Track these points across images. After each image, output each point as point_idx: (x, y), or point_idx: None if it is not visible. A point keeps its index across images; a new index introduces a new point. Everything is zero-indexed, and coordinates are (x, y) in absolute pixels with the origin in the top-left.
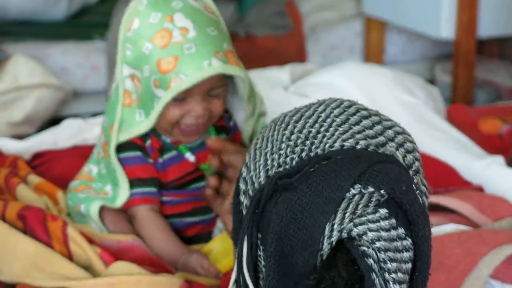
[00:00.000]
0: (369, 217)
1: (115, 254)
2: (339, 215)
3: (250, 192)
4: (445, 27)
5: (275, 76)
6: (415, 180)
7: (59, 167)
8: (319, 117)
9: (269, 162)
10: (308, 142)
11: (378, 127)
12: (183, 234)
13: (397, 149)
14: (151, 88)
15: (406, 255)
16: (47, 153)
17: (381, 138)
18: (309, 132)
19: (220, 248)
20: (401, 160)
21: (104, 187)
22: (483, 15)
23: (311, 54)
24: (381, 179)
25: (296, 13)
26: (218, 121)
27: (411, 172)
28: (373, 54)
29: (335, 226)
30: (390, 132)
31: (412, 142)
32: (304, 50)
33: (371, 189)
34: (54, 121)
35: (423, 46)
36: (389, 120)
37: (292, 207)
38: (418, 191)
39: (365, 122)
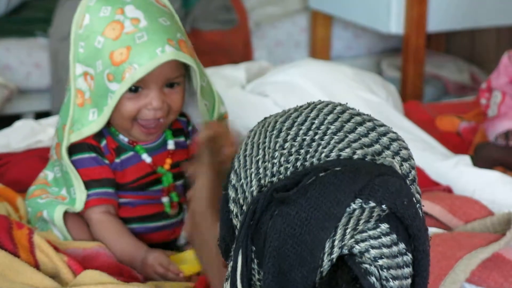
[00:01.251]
0: (371, 232)
1: (80, 262)
2: (339, 231)
3: (241, 200)
4: (395, 22)
5: (231, 75)
6: (412, 190)
7: (16, 171)
8: (312, 123)
9: (261, 170)
10: (302, 151)
11: (373, 134)
12: (146, 241)
13: (393, 158)
14: (105, 83)
15: (407, 270)
16: (3, 156)
17: (377, 147)
18: (303, 140)
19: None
20: (399, 170)
21: (60, 192)
22: (432, 10)
23: (256, 49)
24: (383, 193)
25: (242, 8)
26: (174, 124)
27: (408, 182)
28: (319, 49)
29: (336, 242)
30: (385, 140)
31: (406, 148)
32: (250, 45)
33: (372, 204)
34: None
35: (369, 41)
36: (382, 125)
37: (290, 221)
38: (418, 205)
39: (360, 130)
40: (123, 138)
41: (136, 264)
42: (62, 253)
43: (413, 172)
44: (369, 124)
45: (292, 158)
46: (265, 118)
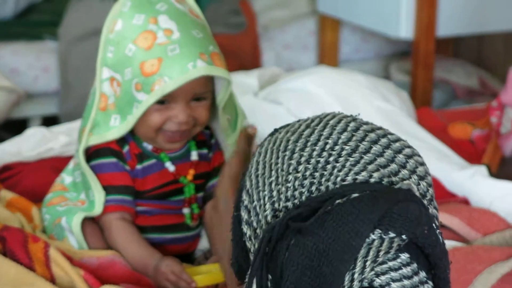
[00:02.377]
0: (391, 264)
1: (95, 271)
2: (359, 263)
3: (254, 223)
4: (404, 27)
5: (243, 81)
6: (430, 210)
7: (30, 180)
8: (326, 143)
9: (275, 193)
10: (317, 174)
11: (388, 153)
12: (162, 253)
13: (410, 177)
14: (132, 92)
15: None
16: (16, 165)
17: (393, 166)
18: (317, 162)
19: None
20: (416, 190)
21: (79, 196)
22: (442, 14)
23: (264, 53)
24: (402, 223)
25: (250, 11)
26: (198, 136)
27: (426, 202)
28: (327, 52)
29: (356, 275)
30: (401, 157)
31: (422, 164)
32: (258, 48)
33: (392, 235)
34: (4, 124)
35: (377, 45)
36: (397, 140)
37: (308, 253)
38: (438, 231)
39: (375, 149)
40: (147, 146)
41: (149, 271)
42: (78, 265)
43: (430, 190)
44: (383, 141)
45: (306, 182)
46: (274, 132)
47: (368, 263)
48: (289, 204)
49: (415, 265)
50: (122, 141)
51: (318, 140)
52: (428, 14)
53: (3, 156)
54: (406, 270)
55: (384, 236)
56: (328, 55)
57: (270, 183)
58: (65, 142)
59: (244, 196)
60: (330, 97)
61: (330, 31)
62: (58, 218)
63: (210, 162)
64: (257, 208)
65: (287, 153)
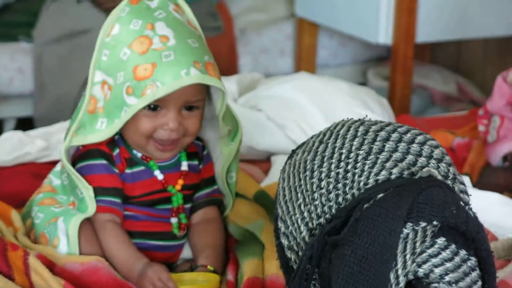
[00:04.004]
0: (430, 251)
1: (78, 277)
2: (400, 260)
3: (295, 247)
4: (383, 33)
5: None
6: (456, 188)
7: (8, 186)
8: (341, 154)
9: (306, 214)
10: (340, 185)
11: (402, 146)
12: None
13: (428, 163)
14: (122, 95)
15: (474, 274)
16: None
17: (410, 157)
18: (337, 174)
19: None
20: (437, 174)
21: (69, 199)
22: (421, 20)
23: (241, 56)
24: (430, 210)
25: (227, 14)
26: (190, 147)
27: (449, 182)
28: (304, 57)
29: (399, 271)
30: (415, 147)
31: (437, 146)
32: (235, 52)
33: (423, 224)
34: None
35: (354, 50)
36: (407, 131)
37: (347, 261)
38: (467, 206)
39: (388, 146)
40: (137, 153)
41: (134, 275)
42: (60, 271)
43: (451, 169)
44: (395, 136)
45: (332, 195)
46: (292, 154)
47: (408, 256)
48: (322, 220)
49: (453, 246)
50: (112, 144)
51: (333, 152)
52: (407, 20)
53: None
54: (445, 254)
55: (416, 228)
56: (305, 60)
57: (299, 206)
58: (42, 147)
59: (280, 224)
60: (311, 104)
61: (308, 35)
62: (54, 217)
63: (200, 173)
64: (294, 232)
65: (307, 173)
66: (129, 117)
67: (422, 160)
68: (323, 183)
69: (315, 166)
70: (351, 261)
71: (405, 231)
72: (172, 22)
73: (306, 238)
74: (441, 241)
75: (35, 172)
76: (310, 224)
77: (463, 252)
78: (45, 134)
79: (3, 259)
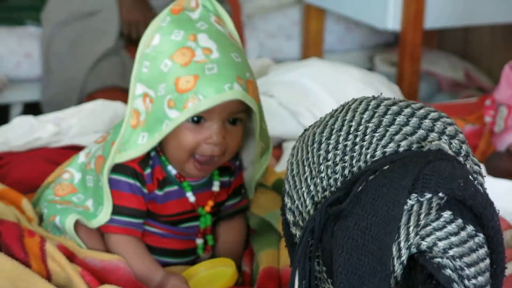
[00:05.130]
0: (434, 224)
1: (96, 273)
2: (403, 232)
3: (300, 222)
4: (391, 18)
5: None
6: (468, 165)
7: (20, 171)
8: (350, 126)
9: (312, 187)
10: (347, 158)
11: (413, 121)
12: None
13: (439, 138)
14: (164, 108)
15: (482, 252)
16: (5, 155)
17: (421, 132)
18: (345, 146)
19: (204, 274)
20: (448, 149)
21: (86, 201)
22: (430, 6)
23: (248, 42)
24: (436, 181)
25: (235, 0)
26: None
27: (461, 159)
28: (311, 42)
29: (402, 244)
30: (427, 122)
31: (451, 124)
32: (242, 37)
33: (428, 195)
34: None
35: (361, 35)
36: (421, 107)
37: (351, 233)
38: (476, 181)
39: (399, 119)
40: (172, 170)
41: (151, 285)
42: (80, 263)
43: (464, 146)
44: (407, 111)
45: (338, 167)
46: (304, 131)
47: (411, 229)
48: (327, 193)
49: (459, 220)
50: (145, 163)
51: (342, 125)
52: (415, 6)
53: None
54: (451, 227)
55: (421, 199)
56: (312, 45)
57: (306, 179)
58: (53, 132)
59: (286, 199)
60: (323, 90)
61: (315, 20)
62: (53, 215)
63: (230, 187)
64: (299, 207)
65: (315, 145)
66: (169, 131)
67: (433, 135)
68: (330, 155)
69: (323, 138)
70: (355, 233)
71: (410, 202)
72: (215, 35)
73: (311, 212)
74: (447, 214)
75: (47, 157)
76: (315, 198)
77: (470, 228)
78: (56, 119)
79: (19, 246)
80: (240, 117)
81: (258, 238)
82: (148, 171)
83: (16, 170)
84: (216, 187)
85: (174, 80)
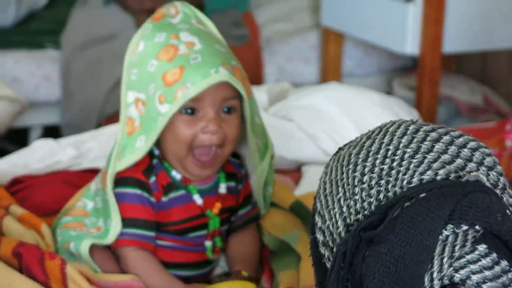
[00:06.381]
0: (469, 257)
1: None
2: (436, 262)
3: (330, 243)
4: (410, 43)
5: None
6: (504, 199)
7: (40, 194)
8: (387, 150)
9: (345, 209)
10: (382, 182)
11: (452, 149)
12: None
13: (478, 169)
14: (155, 106)
15: None
16: (26, 178)
17: (459, 161)
18: (381, 170)
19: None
20: (486, 181)
21: (97, 223)
22: (448, 31)
23: (267, 66)
24: (474, 214)
25: (253, 24)
26: (228, 167)
27: (498, 191)
28: (330, 66)
29: (435, 274)
30: (466, 152)
31: (490, 155)
32: (261, 61)
33: (465, 227)
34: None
35: (380, 59)
36: (460, 135)
37: (383, 260)
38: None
39: (438, 147)
40: (176, 175)
41: None
42: (95, 285)
43: (502, 179)
44: (446, 138)
45: (373, 191)
46: (339, 150)
47: (445, 260)
48: (360, 216)
49: (494, 255)
50: (149, 171)
51: (380, 148)
52: (434, 30)
53: (11, 169)
54: (485, 261)
55: (457, 230)
56: (331, 69)
57: (339, 200)
58: (73, 155)
59: (317, 218)
60: (342, 114)
61: (333, 44)
62: (67, 242)
63: (239, 195)
64: (330, 227)
65: (351, 166)
66: (164, 125)
67: (471, 165)
68: (366, 178)
69: (359, 160)
70: (388, 260)
71: (445, 233)
72: (196, 31)
73: (343, 234)
74: (482, 248)
75: (67, 180)
76: (348, 220)
77: (504, 263)
78: (76, 142)
79: (40, 268)
80: (233, 104)
81: (277, 259)
82: (153, 179)
83: (37, 193)
84: (223, 189)
85: (161, 76)
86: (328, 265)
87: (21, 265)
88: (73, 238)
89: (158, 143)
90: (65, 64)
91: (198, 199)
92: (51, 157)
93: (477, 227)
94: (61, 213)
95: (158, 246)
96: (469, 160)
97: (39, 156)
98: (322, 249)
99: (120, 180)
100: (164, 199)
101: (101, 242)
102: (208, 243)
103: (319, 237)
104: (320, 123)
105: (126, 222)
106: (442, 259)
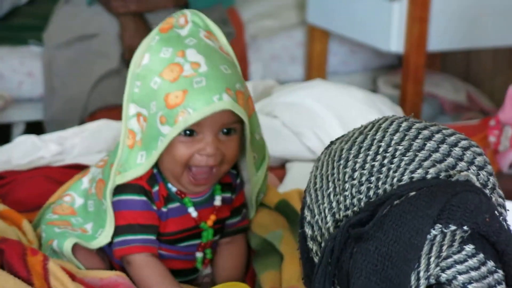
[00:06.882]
0: (456, 257)
1: None
2: (423, 261)
3: (319, 238)
4: (395, 41)
5: None
6: (493, 199)
7: (22, 190)
8: (379, 147)
9: (334, 204)
10: (373, 178)
11: (443, 147)
12: None
13: (468, 168)
14: (157, 126)
15: None
16: (8, 174)
17: (450, 160)
18: (372, 166)
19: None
20: (475, 181)
21: (84, 225)
22: (432, 29)
23: (252, 63)
24: (462, 214)
25: (239, 21)
26: (224, 178)
27: (488, 191)
28: (316, 64)
29: (421, 273)
30: (457, 150)
31: (481, 154)
32: (246, 58)
33: (453, 227)
34: None
35: (365, 57)
36: (452, 134)
37: (371, 257)
38: (501, 216)
39: (430, 145)
40: (172, 187)
41: None
42: (79, 281)
43: (491, 179)
44: (438, 136)
45: (363, 187)
46: (330, 144)
47: (432, 259)
48: (349, 212)
49: (481, 255)
50: (152, 180)
51: (371, 144)
52: (419, 29)
53: None
54: (472, 262)
55: (445, 230)
56: (316, 67)
57: (329, 195)
58: (56, 151)
59: (306, 212)
60: (327, 111)
61: (319, 42)
62: (51, 239)
63: (232, 204)
64: (319, 222)
65: (342, 162)
66: (164, 147)
67: (462, 164)
68: (356, 174)
69: (351, 156)
70: (375, 258)
71: (433, 232)
72: (204, 49)
73: (331, 229)
74: (469, 248)
75: (49, 176)
76: (337, 215)
77: (490, 263)
78: (59, 138)
79: (22, 264)
80: (234, 127)
81: (260, 259)
82: (156, 188)
83: (19, 189)
84: (218, 201)
85: (163, 96)
86: (316, 259)
87: (3, 261)
88: (57, 235)
89: None
90: (47, 61)
91: (193, 212)
92: (34, 153)
93: (465, 227)
94: (43, 208)
95: None
96: (460, 159)
97: (22, 152)
98: (310, 244)
99: (124, 187)
100: (164, 209)
101: (85, 245)
102: (199, 255)
103: (308, 231)
104: (305, 120)
105: (134, 228)
106: (429, 258)
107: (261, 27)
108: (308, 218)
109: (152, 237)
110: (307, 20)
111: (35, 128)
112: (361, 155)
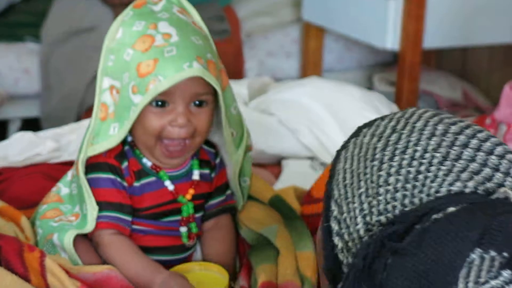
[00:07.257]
0: (493, 283)
1: (91, 285)
2: (461, 285)
3: (346, 236)
4: (391, 38)
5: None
6: None
7: (19, 187)
8: (415, 151)
9: (365, 206)
10: (409, 186)
11: (480, 156)
12: None
13: (504, 180)
14: (129, 95)
15: None
16: (5, 170)
17: (487, 171)
18: (408, 172)
19: (197, 273)
20: None
21: (73, 209)
22: (429, 26)
23: (248, 60)
24: (503, 240)
25: (234, 18)
26: (202, 155)
27: None
28: (311, 61)
29: None
30: (493, 159)
31: None
32: (242, 55)
33: (493, 253)
34: None
35: (360, 54)
36: (487, 139)
37: (408, 275)
38: None
39: (467, 154)
40: (147, 162)
41: (153, 287)
42: (74, 277)
43: None
44: (474, 142)
45: (398, 194)
46: (359, 132)
47: (470, 284)
48: (382, 218)
49: None
50: (121, 156)
51: (407, 147)
52: (415, 26)
53: None
54: None
55: (484, 255)
56: (311, 64)
57: (360, 195)
58: (53, 148)
59: (333, 207)
60: (322, 109)
61: (314, 39)
62: (50, 234)
63: (212, 182)
64: (347, 220)
65: (376, 163)
66: (136, 116)
67: (499, 176)
68: (391, 179)
69: (385, 158)
70: (412, 275)
71: (472, 256)
72: (176, 21)
73: (361, 232)
74: (507, 274)
75: (46, 173)
76: (368, 218)
77: None
78: (56, 135)
79: (19, 260)
80: (205, 98)
81: (255, 253)
82: (125, 164)
83: (16, 186)
84: (196, 176)
85: (136, 66)
86: (341, 256)
87: (0, 257)
88: (56, 229)
89: (130, 130)
90: (44, 57)
91: (169, 185)
92: (30, 149)
93: (505, 254)
94: (39, 206)
95: (133, 231)
96: (496, 169)
97: (18, 149)
98: (336, 239)
99: (94, 165)
100: (136, 184)
101: (83, 231)
102: (183, 229)
103: (334, 226)
104: (301, 118)
105: (102, 205)
106: (467, 283)
107: (257, 25)
108: (335, 213)
109: (122, 216)
110: (303, 17)
111: (31, 124)
112: (396, 158)
